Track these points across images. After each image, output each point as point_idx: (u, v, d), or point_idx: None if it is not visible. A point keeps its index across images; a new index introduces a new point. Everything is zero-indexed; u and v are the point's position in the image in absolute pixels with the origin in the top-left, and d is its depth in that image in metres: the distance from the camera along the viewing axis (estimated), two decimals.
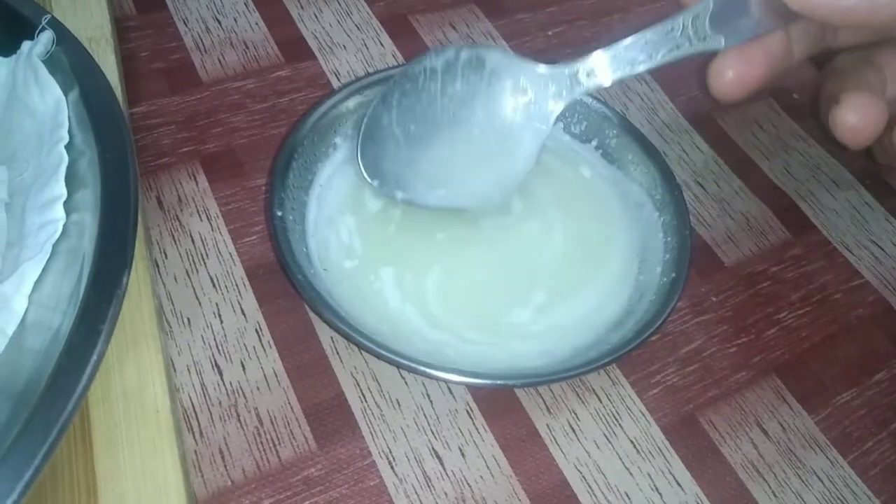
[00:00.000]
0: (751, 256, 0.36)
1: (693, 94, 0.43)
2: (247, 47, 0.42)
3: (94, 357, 0.23)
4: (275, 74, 0.40)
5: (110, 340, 0.24)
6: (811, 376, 0.33)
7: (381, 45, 0.43)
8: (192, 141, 0.37)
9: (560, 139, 0.37)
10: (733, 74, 0.29)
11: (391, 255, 0.32)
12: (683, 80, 0.44)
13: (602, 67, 0.31)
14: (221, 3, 0.44)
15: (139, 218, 0.27)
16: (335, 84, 0.40)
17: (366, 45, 0.43)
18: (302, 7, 0.44)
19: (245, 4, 0.44)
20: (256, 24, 0.43)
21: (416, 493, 0.28)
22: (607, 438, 0.30)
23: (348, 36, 0.43)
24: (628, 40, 0.30)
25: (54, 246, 0.27)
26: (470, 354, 0.30)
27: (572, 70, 0.31)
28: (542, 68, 0.32)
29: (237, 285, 0.32)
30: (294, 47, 0.42)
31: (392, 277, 0.32)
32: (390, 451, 0.28)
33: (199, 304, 0.31)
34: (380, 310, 0.31)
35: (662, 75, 0.44)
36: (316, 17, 0.44)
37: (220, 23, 0.43)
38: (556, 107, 0.32)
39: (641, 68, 0.30)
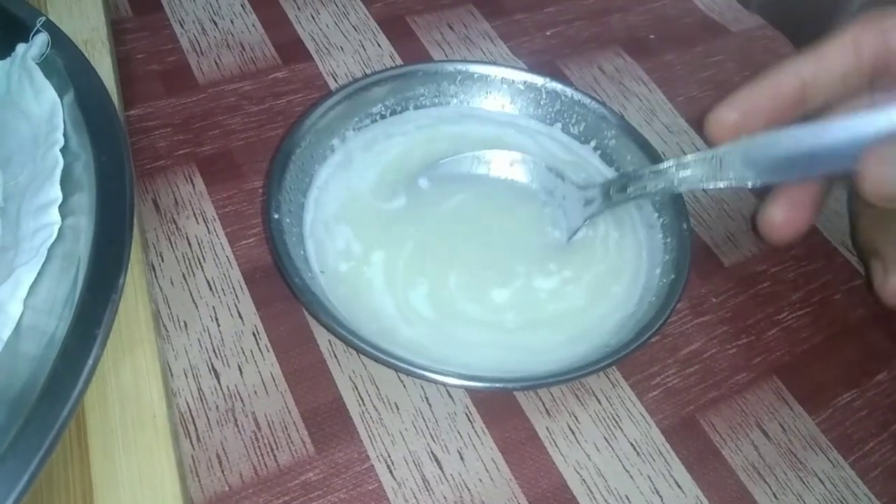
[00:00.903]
0: (751, 257, 0.36)
1: (692, 94, 0.43)
2: (243, 49, 0.41)
3: (90, 362, 0.23)
4: (272, 76, 0.40)
5: (106, 345, 0.23)
6: (812, 377, 0.32)
7: (379, 45, 0.43)
8: (188, 143, 0.37)
9: (559, 139, 0.37)
10: (781, 219, 0.30)
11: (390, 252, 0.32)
12: (682, 80, 0.44)
13: (630, 189, 0.32)
14: (218, 4, 0.44)
15: (135, 221, 0.27)
16: (332, 85, 0.40)
17: (363, 46, 0.43)
18: (299, 8, 0.44)
19: (242, 6, 0.44)
20: (253, 25, 0.43)
21: (414, 497, 0.27)
22: (607, 441, 0.29)
23: (346, 37, 0.43)
24: (659, 168, 0.31)
25: (49, 250, 0.26)
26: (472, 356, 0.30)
27: (604, 188, 0.33)
28: (575, 188, 0.34)
29: (234, 288, 0.32)
30: (291, 49, 0.42)
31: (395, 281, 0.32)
32: (389, 455, 0.28)
33: (196, 307, 0.31)
34: (372, 307, 0.31)
35: (661, 76, 0.44)
36: (313, 18, 0.44)
37: (216, 24, 0.42)
38: (584, 216, 0.34)
39: (669, 191, 0.32)
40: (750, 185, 0.29)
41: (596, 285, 0.33)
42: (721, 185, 0.30)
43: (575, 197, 0.34)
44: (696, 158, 0.30)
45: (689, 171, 0.30)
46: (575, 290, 0.32)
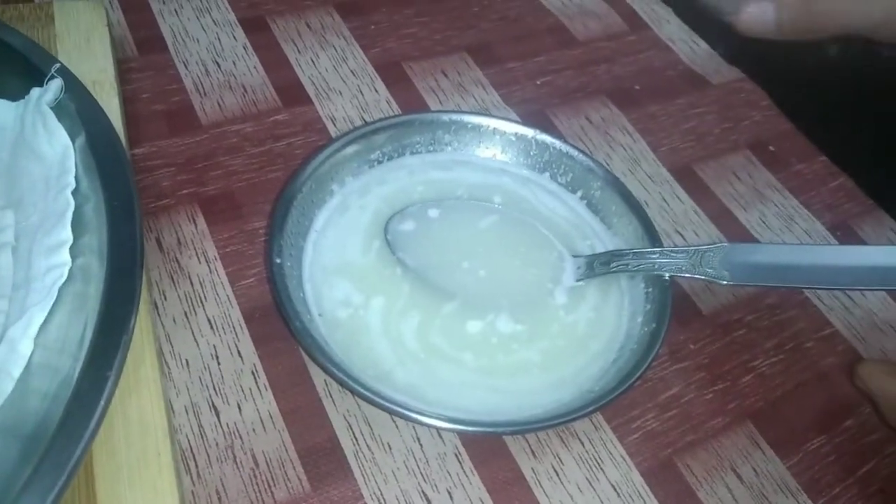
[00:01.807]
0: (727, 305, 0.38)
1: (674, 145, 0.45)
2: (245, 91, 0.43)
3: (102, 403, 0.24)
4: (272, 118, 0.42)
5: (117, 385, 0.24)
6: (784, 423, 0.34)
7: (376, 91, 0.44)
8: (191, 183, 0.38)
9: (547, 187, 0.39)
10: None
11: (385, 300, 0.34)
12: (665, 131, 0.46)
13: (613, 264, 0.35)
14: (221, 46, 0.45)
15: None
16: (331, 129, 0.42)
17: (361, 91, 0.44)
18: (299, 52, 0.46)
19: (244, 48, 0.45)
20: (255, 67, 0.44)
21: None
22: (589, 482, 0.31)
23: (344, 82, 0.45)
24: (645, 250, 0.35)
25: (60, 290, 0.27)
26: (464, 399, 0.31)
27: (589, 260, 0.36)
28: (568, 258, 0.37)
29: (234, 327, 0.33)
30: (291, 92, 0.43)
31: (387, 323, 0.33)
32: (381, 494, 0.29)
33: (198, 345, 0.32)
34: (371, 357, 0.32)
35: (645, 127, 0.46)
36: (313, 62, 0.45)
37: (219, 66, 0.44)
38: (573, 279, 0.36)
39: (649, 272, 0.34)
40: (724, 283, 0.32)
41: (576, 333, 0.34)
42: (698, 277, 0.33)
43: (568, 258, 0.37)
44: (679, 251, 0.33)
45: (670, 259, 0.33)
46: (557, 339, 0.34)
